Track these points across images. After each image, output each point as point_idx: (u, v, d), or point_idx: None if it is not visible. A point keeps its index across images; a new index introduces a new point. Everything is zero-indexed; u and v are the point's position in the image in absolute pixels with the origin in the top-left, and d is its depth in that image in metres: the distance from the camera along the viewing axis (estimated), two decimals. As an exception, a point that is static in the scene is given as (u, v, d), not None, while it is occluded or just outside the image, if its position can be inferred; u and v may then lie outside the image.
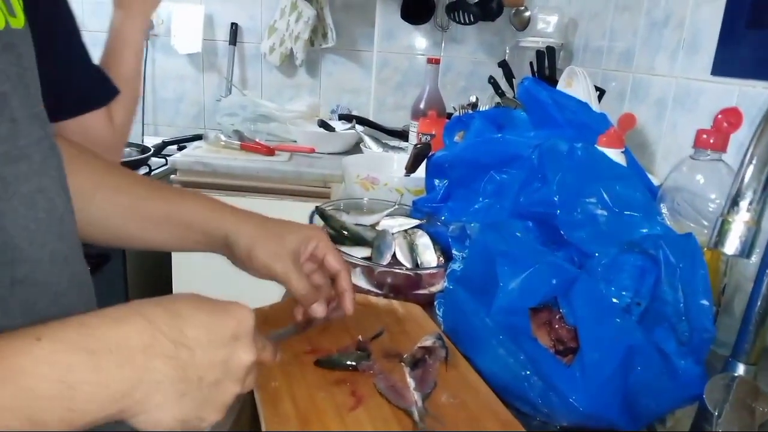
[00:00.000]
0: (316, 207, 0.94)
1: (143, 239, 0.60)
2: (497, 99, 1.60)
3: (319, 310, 0.59)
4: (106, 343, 0.33)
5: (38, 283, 0.41)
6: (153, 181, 0.62)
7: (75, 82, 0.81)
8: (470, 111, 1.48)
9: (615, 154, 0.73)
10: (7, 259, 0.38)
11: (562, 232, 0.60)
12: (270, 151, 1.72)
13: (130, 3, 0.92)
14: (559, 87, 1.19)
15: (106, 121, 0.85)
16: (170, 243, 0.60)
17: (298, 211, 1.48)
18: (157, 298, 0.37)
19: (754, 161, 0.42)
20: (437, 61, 1.57)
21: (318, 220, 0.91)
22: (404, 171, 1.15)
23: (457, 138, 1.02)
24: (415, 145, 1.24)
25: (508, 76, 1.66)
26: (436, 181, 0.95)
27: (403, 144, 1.77)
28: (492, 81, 1.64)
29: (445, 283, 0.69)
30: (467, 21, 1.86)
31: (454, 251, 0.69)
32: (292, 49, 2.02)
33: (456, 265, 0.64)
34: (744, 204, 0.41)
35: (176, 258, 1.65)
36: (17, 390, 0.29)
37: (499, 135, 0.87)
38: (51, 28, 0.76)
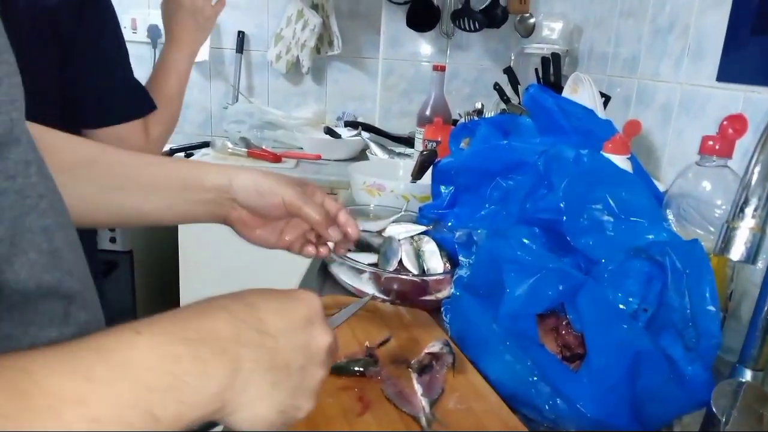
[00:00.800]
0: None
1: (141, 210, 0.59)
2: (503, 105, 1.61)
3: (334, 233, 0.61)
4: (200, 334, 0.32)
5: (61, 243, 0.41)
6: (139, 153, 0.63)
7: (115, 94, 0.89)
8: (476, 117, 1.48)
9: (621, 161, 0.73)
10: (46, 225, 0.39)
11: (568, 238, 0.61)
12: (277, 158, 1.73)
13: (180, 36, 1.01)
14: (565, 93, 1.19)
15: (141, 133, 0.93)
16: (171, 210, 0.59)
17: (305, 217, 1.47)
18: (226, 293, 0.37)
19: (758, 168, 0.43)
20: (443, 68, 1.57)
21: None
22: (410, 178, 1.16)
23: (463, 144, 1.03)
24: (421, 152, 1.25)
25: (514, 82, 1.66)
26: (442, 188, 0.96)
27: (408, 150, 1.78)
28: (497, 87, 1.64)
29: (452, 290, 0.70)
30: (472, 28, 1.87)
31: (460, 257, 0.70)
32: (298, 56, 2.03)
33: (463, 272, 0.65)
34: (749, 210, 0.42)
35: (183, 264, 1.66)
36: (133, 384, 0.28)
37: (505, 142, 0.87)
38: (97, 44, 0.86)
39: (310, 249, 0.64)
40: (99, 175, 0.57)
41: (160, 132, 0.97)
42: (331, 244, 0.64)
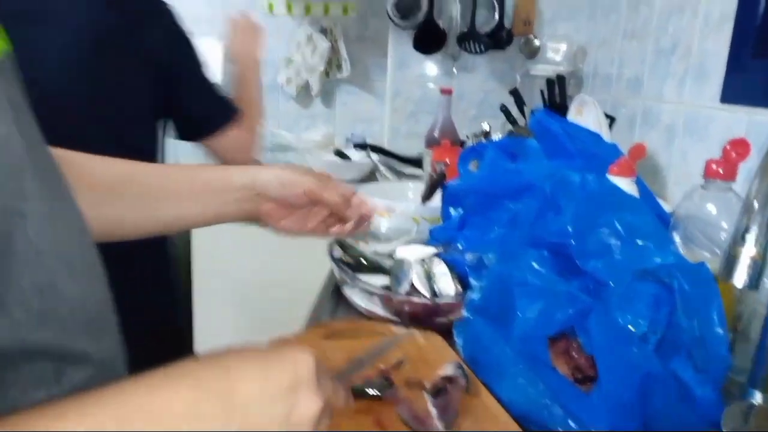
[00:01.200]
0: (335, 237, 0.96)
1: (179, 216, 0.64)
2: (509, 126, 1.63)
3: (352, 213, 0.68)
4: (142, 413, 0.29)
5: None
6: (169, 165, 0.67)
7: (218, 106, 1.13)
8: (483, 139, 1.50)
9: (626, 184, 0.75)
10: (42, 282, 0.36)
11: (577, 261, 0.62)
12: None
13: (238, 58, 1.32)
14: (570, 115, 1.21)
15: (246, 132, 1.17)
16: (206, 213, 0.65)
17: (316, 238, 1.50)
18: (207, 355, 0.34)
19: (759, 196, 0.44)
20: (450, 92, 1.60)
21: (337, 250, 0.94)
22: (420, 199, 1.17)
23: (471, 167, 1.05)
24: (431, 174, 1.27)
25: (519, 103, 1.69)
26: (452, 210, 0.97)
27: (417, 171, 1.80)
28: (504, 109, 1.67)
29: (463, 312, 0.71)
30: (478, 50, 1.91)
31: (471, 280, 0.71)
32: (307, 80, 2.07)
33: (474, 295, 0.66)
34: (750, 238, 0.43)
35: (198, 280, 1.68)
36: None
37: (513, 165, 0.89)
38: (195, 71, 1.08)
39: (335, 228, 0.70)
40: (137, 189, 0.62)
41: (254, 129, 1.22)
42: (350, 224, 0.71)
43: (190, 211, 0.64)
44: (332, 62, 2.08)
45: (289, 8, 2.08)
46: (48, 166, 0.40)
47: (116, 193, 0.59)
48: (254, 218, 0.67)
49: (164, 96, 1.05)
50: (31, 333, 0.35)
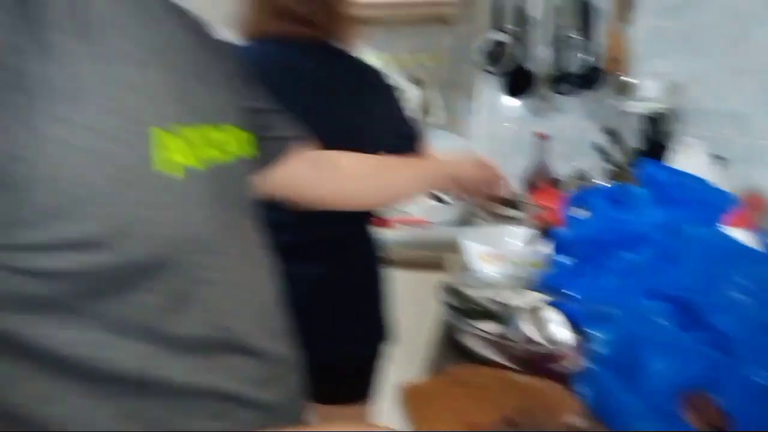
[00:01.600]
0: (444, 283, 1.02)
1: (404, 193, 1.02)
2: (606, 165, 1.63)
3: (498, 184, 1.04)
4: None
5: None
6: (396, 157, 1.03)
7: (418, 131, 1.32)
8: (581, 182, 1.52)
9: (744, 235, 0.75)
10: (210, 335, 0.42)
11: (703, 316, 0.64)
12: (386, 224, 1.86)
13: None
14: (676, 158, 1.21)
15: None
16: (418, 188, 1.02)
17: (415, 280, 1.57)
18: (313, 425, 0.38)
19: None
20: (545, 137, 1.63)
21: (448, 296, 0.99)
22: (523, 244, 1.20)
23: (577, 213, 1.07)
24: (534, 219, 1.30)
25: (616, 142, 1.68)
26: (561, 258, 1.00)
27: (514, 213, 1.82)
28: (598, 148, 1.67)
29: (579, 359, 0.73)
30: (568, 91, 1.93)
31: (590, 331, 0.74)
32: (401, 128, 2.19)
33: (599, 347, 0.69)
34: None
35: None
36: None
37: (623, 214, 0.91)
38: (405, 117, 1.29)
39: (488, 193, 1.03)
40: (368, 181, 0.91)
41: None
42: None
43: (410, 189, 0.97)
44: (424, 109, 2.18)
45: (380, 60, 2.22)
46: (243, 242, 0.48)
47: (370, 174, 0.90)
48: (443, 191, 1.01)
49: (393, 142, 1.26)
50: (201, 376, 0.39)
